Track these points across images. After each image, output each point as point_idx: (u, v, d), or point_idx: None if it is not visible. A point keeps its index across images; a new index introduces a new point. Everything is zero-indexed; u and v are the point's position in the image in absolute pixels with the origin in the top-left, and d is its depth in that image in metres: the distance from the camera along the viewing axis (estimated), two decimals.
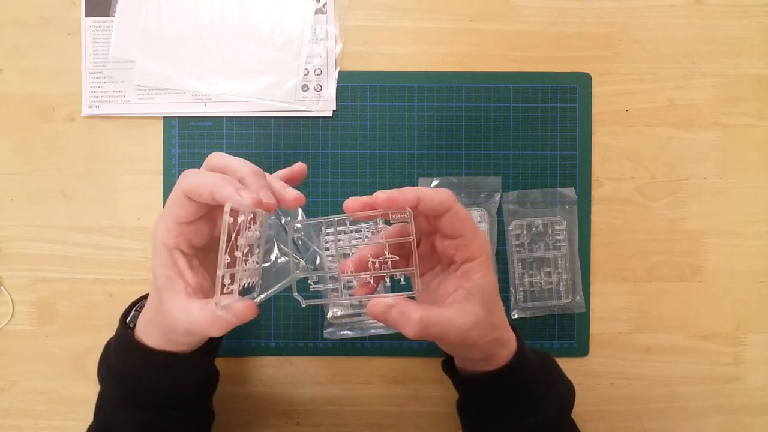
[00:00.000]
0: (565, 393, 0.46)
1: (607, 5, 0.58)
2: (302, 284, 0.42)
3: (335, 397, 0.58)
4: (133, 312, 0.44)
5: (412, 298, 0.38)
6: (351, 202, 0.36)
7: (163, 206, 0.56)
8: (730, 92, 0.58)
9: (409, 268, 0.37)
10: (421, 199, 0.36)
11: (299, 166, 0.44)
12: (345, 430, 0.58)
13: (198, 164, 0.57)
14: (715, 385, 0.58)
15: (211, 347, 0.44)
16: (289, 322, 0.57)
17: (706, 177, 0.58)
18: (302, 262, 0.41)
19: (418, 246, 0.41)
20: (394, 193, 0.36)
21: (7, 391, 0.57)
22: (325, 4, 0.57)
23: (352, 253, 0.41)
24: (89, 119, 0.57)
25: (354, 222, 0.55)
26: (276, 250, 0.46)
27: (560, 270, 0.57)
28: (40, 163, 0.57)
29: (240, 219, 0.35)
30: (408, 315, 0.36)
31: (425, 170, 0.57)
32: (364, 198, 0.36)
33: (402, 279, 0.39)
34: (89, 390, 0.57)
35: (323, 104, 0.57)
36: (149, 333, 0.40)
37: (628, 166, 0.58)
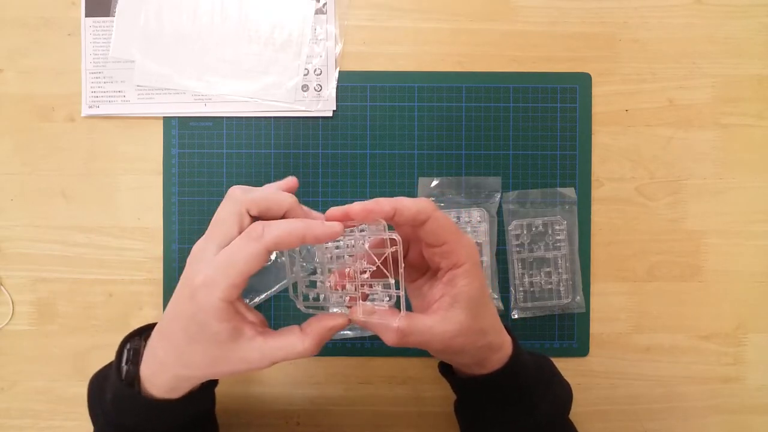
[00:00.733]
0: (562, 393, 0.46)
1: (607, 5, 0.58)
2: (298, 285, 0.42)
3: (335, 397, 0.58)
4: (126, 352, 0.40)
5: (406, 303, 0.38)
6: (332, 212, 0.37)
7: (164, 208, 0.57)
8: (730, 92, 0.58)
9: (389, 281, 0.37)
10: (397, 210, 0.36)
11: (293, 181, 0.41)
12: (345, 430, 0.58)
13: (198, 164, 0.57)
14: (715, 385, 0.58)
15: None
16: (289, 322, 0.57)
17: (706, 177, 0.58)
18: (299, 263, 0.41)
19: (406, 254, 0.41)
20: (369, 204, 0.36)
21: (7, 391, 0.57)
22: (325, 4, 0.57)
23: (345, 257, 0.41)
24: (89, 119, 0.57)
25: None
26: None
27: (560, 270, 0.57)
28: (40, 163, 0.57)
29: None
30: (386, 323, 0.36)
31: (425, 170, 0.57)
32: (343, 207, 0.36)
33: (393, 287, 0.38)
34: None
35: (323, 104, 0.57)
36: (159, 378, 0.38)
37: (628, 166, 0.58)
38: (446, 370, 0.46)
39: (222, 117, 0.57)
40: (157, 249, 0.57)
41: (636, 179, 0.58)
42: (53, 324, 0.57)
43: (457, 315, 0.37)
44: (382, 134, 0.57)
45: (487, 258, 0.56)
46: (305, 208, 0.39)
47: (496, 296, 0.57)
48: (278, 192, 0.38)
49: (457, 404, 0.47)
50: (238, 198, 0.36)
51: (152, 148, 0.57)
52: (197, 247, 0.36)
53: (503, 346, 0.42)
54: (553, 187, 0.57)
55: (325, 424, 0.58)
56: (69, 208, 0.57)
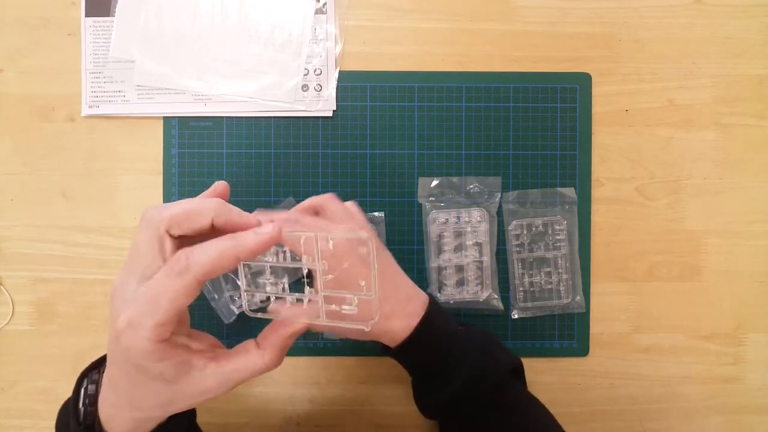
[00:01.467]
0: (480, 360, 0.46)
1: (607, 5, 0.58)
2: (294, 287, 0.42)
3: (335, 397, 0.58)
4: (82, 392, 0.36)
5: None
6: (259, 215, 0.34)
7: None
8: (730, 92, 0.58)
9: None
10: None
11: (221, 186, 0.37)
12: (345, 430, 0.58)
13: (198, 164, 0.57)
14: (715, 385, 0.58)
15: None
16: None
17: (706, 177, 0.58)
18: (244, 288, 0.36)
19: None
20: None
21: (7, 391, 0.57)
22: (325, 4, 0.57)
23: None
24: (89, 119, 0.57)
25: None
26: None
27: (560, 270, 0.57)
28: (40, 163, 0.57)
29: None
30: (357, 329, 0.34)
31: (425, 170, 0.57)
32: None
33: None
34: None
35: (323, 104, 0.57)
36: (117, 422, 0.34)
37: (628, 166, 0.58)
38: (386, 350, 0.47)
39: (222, 117, 0.57)
40: None
41: (636, 179, 0.58)
42: (53, 324, 0.57)
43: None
44: (382, 134, 0.57)
45: (487, 258, 0.56)
46: (236, 209, 0.33)
47: (496, 296, 0.57)
48: (199, 201, 0.33)
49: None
50: (154, 219, 0.31)
51: (152, 148, 0.57)
52: (117, 281, 0.32)
53: (406, 324, 0.44)
54: (553, 187, 0.57)
55: (325, 424, 0.58)
56: (69, 208, 0.57)
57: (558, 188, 0.57)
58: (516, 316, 0.57)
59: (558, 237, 0.57)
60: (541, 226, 0.57)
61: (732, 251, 0.58)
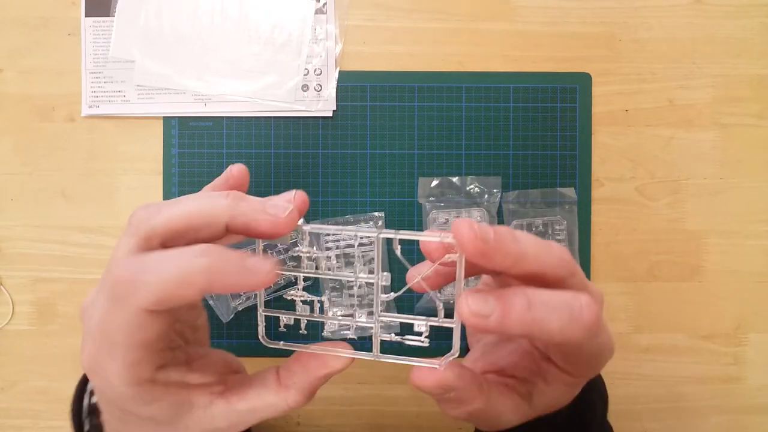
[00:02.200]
0: (603, 413, 0.37)
1: (607, 5, 0.58)
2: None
3: (335, 397, 0.58)
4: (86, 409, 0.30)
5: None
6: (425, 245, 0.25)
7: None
8: (730, 92, 0.58)
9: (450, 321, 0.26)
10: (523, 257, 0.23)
11: (238, 170, 0.33)
12: (345, 430, 0.58)
13: (198, 164, 0.57)
14: (715, 385, 0.58)
15: None
16: (289, 323, 0.57)
17: (706, 177, 0.58)
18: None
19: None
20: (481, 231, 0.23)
21: (7, 391, 0.57)
22: (325, 4, 0.57)
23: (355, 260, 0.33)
24: (89, 119, 0.57)
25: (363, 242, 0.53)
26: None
27: None
28: (40, 163, 0.57)
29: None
30: (426, 365, 0.27)
31: (425, 170, 0.57)
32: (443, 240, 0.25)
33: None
34: None
35: (323, 104, 0.57)
36: None
37: (628, 166, 0.58)
38: None
39: (222, 117, 0.57)
40: None
41: (636, 179, 0.58)
42: (53, 324, 0.57)
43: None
44: (382, 134, 0.57)
45: None
46: (259, 204, 0.25)
47: None
48: (207, 198, 0.25)
49: None
50: (138, 227, 0.24)
51: (152, 148, 0.57)
52: (88, 298, 0.25)
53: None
54: (553, 187, 0.57)
55: (325, 424, 0.58)
56: (69, 208, 0.57)
57: (558, 188, 0.57)
58: None
59: (558, 237, 0.57)
60: (541, 226, 0.57)
61: (732, 251, 0.58)
